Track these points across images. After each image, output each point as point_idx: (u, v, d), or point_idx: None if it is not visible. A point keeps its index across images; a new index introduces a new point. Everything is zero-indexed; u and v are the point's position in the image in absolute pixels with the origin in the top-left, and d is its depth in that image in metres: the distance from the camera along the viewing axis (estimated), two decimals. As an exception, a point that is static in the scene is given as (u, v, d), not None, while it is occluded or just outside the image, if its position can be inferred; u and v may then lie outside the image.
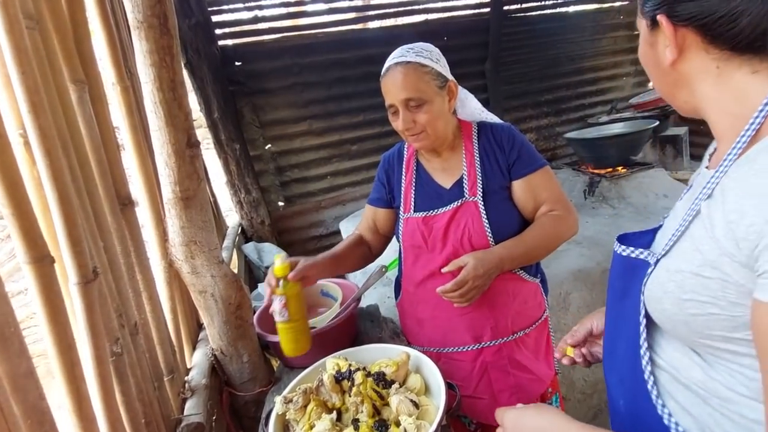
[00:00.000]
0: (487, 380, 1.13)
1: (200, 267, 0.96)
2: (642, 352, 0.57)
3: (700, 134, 2.97)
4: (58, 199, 0.60)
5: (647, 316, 0.57)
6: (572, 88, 3.38)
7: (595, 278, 1.93)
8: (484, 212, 1.05)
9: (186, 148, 0.89)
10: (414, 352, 0.93)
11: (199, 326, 1.23)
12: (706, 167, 0.59)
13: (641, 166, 2.64)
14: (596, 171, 2.68)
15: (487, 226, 1.04)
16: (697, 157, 2.98)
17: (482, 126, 1.13)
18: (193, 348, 1.15)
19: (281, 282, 0.96)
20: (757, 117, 0.48)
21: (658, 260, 0.55)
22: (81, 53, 0.77)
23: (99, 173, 0.77)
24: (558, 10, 3.17)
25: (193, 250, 0.95)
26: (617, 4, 3.39)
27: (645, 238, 0.64)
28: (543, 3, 3.11)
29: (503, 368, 1.12)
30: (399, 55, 1.03)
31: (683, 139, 2.96)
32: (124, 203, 0.84)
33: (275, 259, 0.98)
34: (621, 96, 3.49)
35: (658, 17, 0.52)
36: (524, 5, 3.05)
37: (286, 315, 0.96)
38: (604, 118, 3.20)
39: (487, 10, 2.87)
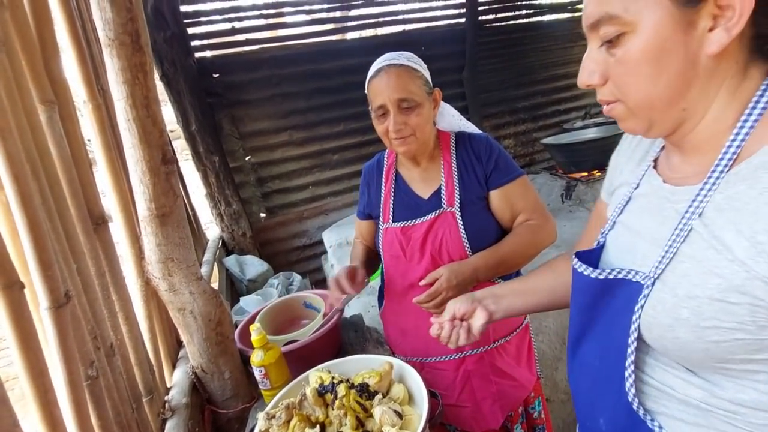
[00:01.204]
0: (469, 388, 1.14)
1: (178, 284, 0.95)
2: (627, 374, 0.53)
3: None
4: (28, 224, 0.58)
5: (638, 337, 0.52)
6: (547, 95, 3.47)
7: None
8: (462, 223, 1.06)
9: (161, 164, 0.88)
10: (397, 362, 0.93)
11: (179, 344, 1.20)
12: (665, 181, 0.54)
13: (615, 169, 2.72)
14: (573, 175, 2.75)
15: (464, 236, 1.05)
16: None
17: (460, 136, 1.14)
18: (173, 366, 1.13)
19: (260, 353, 0.98)
20: (742, 127, 0.45)
21: (653, 282, 0.50)
22: (50, 72, 0.76)
23: (70, 193, 0.75)
24: (531, 19, 3.27)
25: (170, 268, 0.94)
26: (588, 13, 3.50)
27: (594, 256, 0.61)
28: (516, 13, 3.20)
29: (485, 376, 1.13)
30: (390, 58, 1.04)
31: (655, 142, 3.07)
32: (98, 222, 0.83)
33: (251, 329, 0.99)
34: (594, 102, 3.59)
35: None
36: (499, 15, 3.13)
37: (267, 384, 0.99)
38: (579, 124, 3.29)
39: (463, 20, 2.94)
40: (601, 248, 0.62)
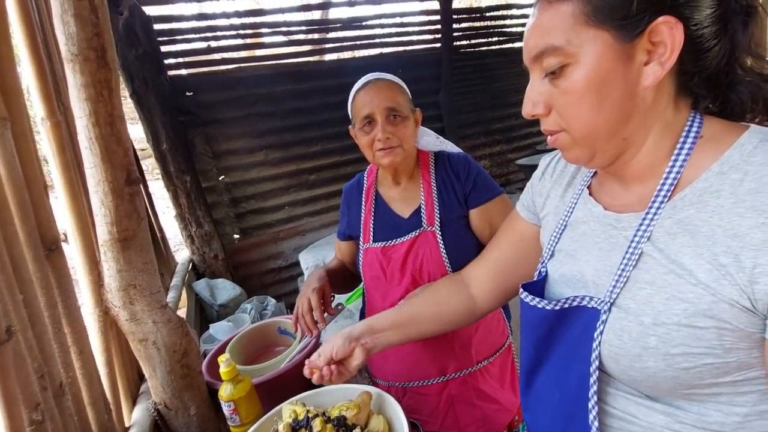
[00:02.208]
0: (453, 414, 1.11)
1: (140, 313, 0.89)
2: (590, 405, 0.52)
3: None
4: (-36, 251, 0.53)
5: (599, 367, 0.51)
6: (520, 118, 3.49)
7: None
8: (442, 242, 1.05)
9: (125, 185, 0.83)
10: (375, 391, 0.89)
11: (140, 378, 1.12)
12: (606, 208, 0.55)
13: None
14: (546, 195, 2.82)
15: (445, 255, 1.04)
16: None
17: (439, 156, 1.14)
18: (133, 403, 1.04)
19: (229, 386, 0.92)
20: (678, 154, 0.48)
21: (610, 306, 0.50)
22: (4, 87, 0.71)
23: (21, 217, 0.69)
24: (503, 46, 3.39)
25: (132, 295, 0.87)
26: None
27: (538, 287, 0.61)
28: (489, 40, 3.32)
29: (469, 400, 1.11)
30: (377, 74, 1.06)
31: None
32: (51, 248, 0.77)
33: (219, 360, 0.93)
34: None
35: (661, 20, 0.44)
36: (473, 41, 3.24)
37: (237, 420, 0.93)
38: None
39: (439, 45, 3.02)
40: (543, 279, 0.62)
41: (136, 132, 2.53)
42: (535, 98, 0.52)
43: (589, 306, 0.52)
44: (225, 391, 0.93)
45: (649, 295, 0.47)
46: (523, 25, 3.11)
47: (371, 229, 1.13)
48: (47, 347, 0.70)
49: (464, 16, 3.13)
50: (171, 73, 2.25)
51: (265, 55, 2.57)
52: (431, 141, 1.20)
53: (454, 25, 3.04)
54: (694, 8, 0.45)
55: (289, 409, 0.86)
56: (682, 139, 0.49)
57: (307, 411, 0.84)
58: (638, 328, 0.47)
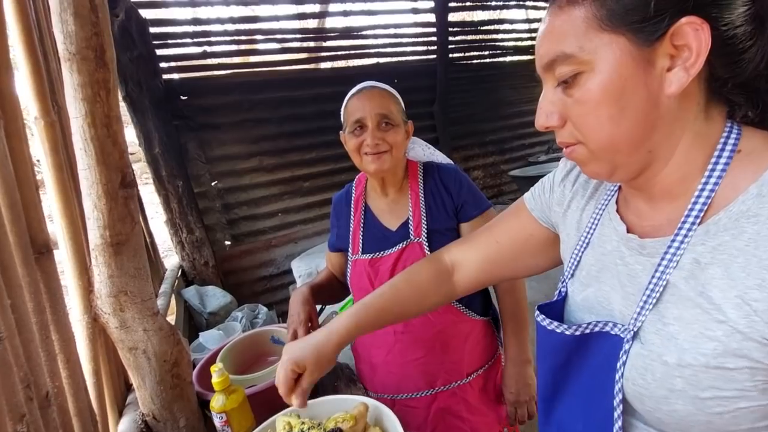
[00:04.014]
0: (442, 428, 1.10)
1: (131, 320, 0.86)
2: None
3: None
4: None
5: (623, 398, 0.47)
6: (513, 130, 3.64)
7: (545, 311, 2.00)
8: (429, 253, 1.04)
9: (119, 188, 0.81)
10: (372, 402, 0.87)
11: (128, 388, 1.08)
12: (630, 229, 0.50)
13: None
14: (539, 206, 2.85)
15: None
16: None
17: (428, 167, 1.14)
18: (120, 414, 1.01)
19: (221, 397, 0.89)
20: (713, 170, 0.43)
21: (633, 335, 0.46)
22: (-3, 85, 0.69)
23: (11, 219, 0.67)
24: (497, 59, 3.46)
25: (122, 302, 0.84)
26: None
27: (556, 308, 0.57)
28: (483, 53, 3.37)
29: (458, 414, 1.09)
30: (372, 83, 1.06)
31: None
32: (41, 252, 0.74)
33: (212, 370, 0.90)
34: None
35: (684, 21, 0.40)
36: (467, 54, 3.29)
37: None
38: (543, 157, 3.45)
39: (434, 57, 3.05)
40: (563, 299, 0.58)
41: (127, 135, 2.49)
42: (548, 109, 0.49)
43: (612, 333, 0.48)
44: (217, 401, 0.90)
45: (675, 332, 0.43)
46: (516, 40, 3.16)
47: (360, 240, 1.12)
48: (34, 355, 0.67)
49: (459, 29, 3.18)
50: (166, 76, 2.23)
51: (260, 62, 2.57)
52: (420, 151, 1.20)
53: (450, 38, 3.08)
54: (723, 7, 0.40)
55: (283, 421, 0.84)
56: (716, 153, 0.44)
57: (302, 422, 0.82)
58: (662, 368, 0.43)
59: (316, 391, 1.16)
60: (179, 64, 2.31)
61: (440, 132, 3.17)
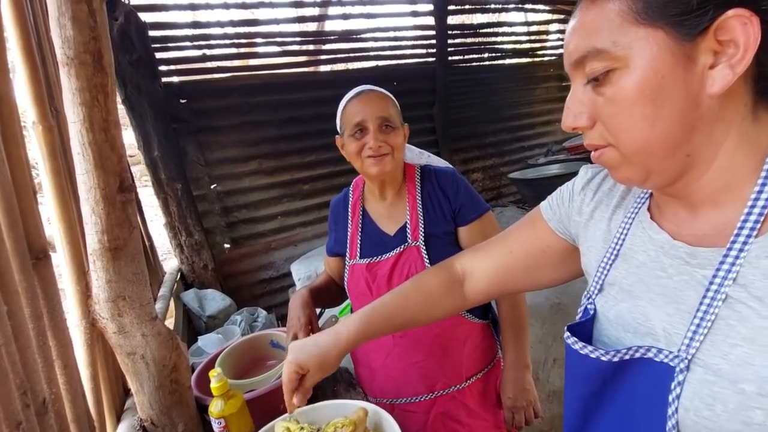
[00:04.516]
0: None
1: (129, 325, 0.85)
2: None
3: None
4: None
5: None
6: (512, 132, 3.64)
7: (545, 313, 1.99)
8: (427, 257, 1.04)
9: (117, 193, 0.81)
10: (372, 407, 0.87)
11: (126, 393, 1.07)
12: (673, 237, 0.46)
13: (577, 204, 2.84)
14: (538, 209, 2.84)
15: None
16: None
17: (425, 170, 1.14)
18: (118, 420, 1.00)
19: (219, 402, 0.89)
20: (765, 183, 0.40)
21: (688, 364, 0.41)
22: (-5, 89, 0.69)
23: (8, 224, 0.66)
24: (496, 62, 3.46)
25: (121, 307, 0.84)
26: (546, 58, 3.77)
27: (586, 328, 0.52)
28: (482, 56, 3.37)
29: (457, 418, 1.09)
30: (368, 86, 1.06)
31: (611, 179, 3.26)
32: (38, 257, 0.73)
33: (211, 375, 0.90)
34: (555, 140, 3.81)
35: (730, 14, 0.37)
36: (466, 57, 3.30)
37: None
38: (542, 160, 3.44)
39: (433, 59, 3.06)
40: (592, 318, 0.53)
41: (127, 138, 2.49)
42: (576, 109, 0.46)
43: (657, 360, 0.43)
44: (215, 407, 0.90)
45: (747, 355, 0.38)
46: (515, 43, 3.16)
47: (358, 245, 1.11)
48: (31, 361, 0.66)
49: (458, 32, 3.19)
50: (165, 79, 2.23)
51: (260, 65, 2.57)
52: (415, 156, 1.20)
53: (449, 41, 3.09)
54: None
55: (282, 426, 0.83)
56: None
57: (301, 428, 0.81)
58: (737, 398, 0.38)
59: (316, 395, 1.16)
60: (179, 67, 2.31)
61: (440, 134, 3.17)
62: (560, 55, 3.81)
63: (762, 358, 0.37)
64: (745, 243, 0.40)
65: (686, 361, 0.41)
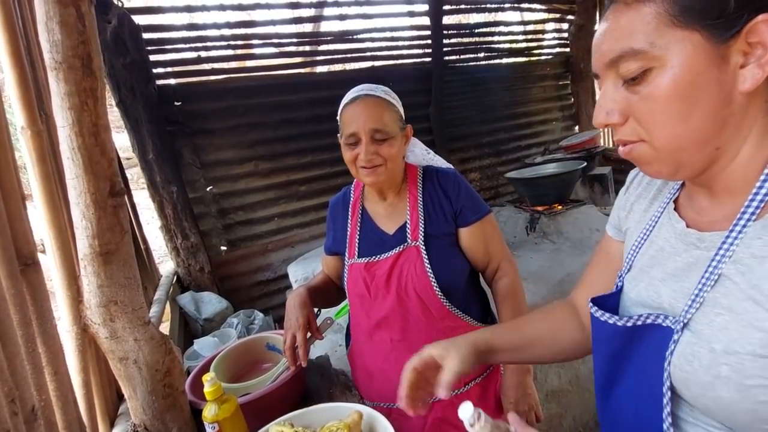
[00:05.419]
0: None
1: (121, 330, 0.85)
2: (665, 427, 0.49)
3: (623, 173, 3.29)
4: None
5: (671, 388, 0.49)
6: (509, 131, 3.64)
7: (542, 313, 1.99)
8: (426, 257, 1.03)
9: (108, 197, 0.80)
10: (367, 410, 0.86)
11: (119, 398, 1.07)
12: (689, 225, 0.52)
13: (575, 203, 2.84)
14: (536, 208, 2.84)
15: (430, 271, 1.02)
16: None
17: (428, 171, 1.13)
18: (111, 425, 0.99)
19: (213, 407, 0.88)
20: None
21: (683, 327, 0.47)
22: (-19, 94, 0.68)
23: (-5, 230, 0.66)
24: (492, 62, 3.46)
25: (113, 312, 0.83)
26: (542, 57, 3.77)
27: (612, 300, 0.59)
28: (477, 55, 3.37)
29: (455, 423, 1.08)
30: (367, 89, 1.03)
31: (609, 178, 3.26)
32: (27, 263, 0.73)
33: (204, 379, 0.89)
34: (552, 138, 3.81)
35: (760, 18, 0.40)
36: (462, 56, 3.29)
37: None
38: (539, 159, 3.44)
39: (429, 59, 3.06)
40: (619, 292, 0.59)
41: (122, 141, 2.49)
42: (609, 106, 0.48)
43: (663, 325, 0.49)
44: (209, 411, 0.89)
45: (725, 322, 0.44)
46: (511, 42, 3.14)
47: (357, 244, 1.11)
48: (20, 369, 0.66)
49: (454, 32, 3.19)
50: (159, 82, 2.22)
51: (256, 66, 2.56)
52: (420, 154, 1.19)
53: (445, 41, 3.09)
54: None
55: (276, 430, 0.83)
56: None
57: (296, 431, 0.81)
58: (709, 356, 0.44)
59: (311, 398, 1.15)
60: (173, 69, 2.30)
61: (436, 134, 3.17)
62: (556, 54, 3.81)
63: (736, 324, 0.43)
64: (744, 226, 0.44)
65: (682, 324, 0.47)
